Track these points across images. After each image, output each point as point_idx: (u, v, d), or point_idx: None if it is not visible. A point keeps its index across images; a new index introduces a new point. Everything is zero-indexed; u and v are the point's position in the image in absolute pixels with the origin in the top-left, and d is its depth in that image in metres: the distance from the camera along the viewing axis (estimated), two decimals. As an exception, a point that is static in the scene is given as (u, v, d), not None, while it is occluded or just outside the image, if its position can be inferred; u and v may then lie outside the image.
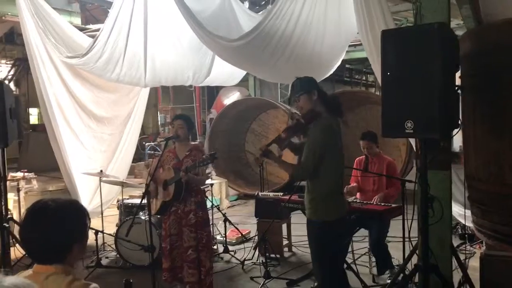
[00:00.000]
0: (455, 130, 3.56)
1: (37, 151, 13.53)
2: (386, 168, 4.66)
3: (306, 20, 4.52)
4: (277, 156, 3.40)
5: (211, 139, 10.35)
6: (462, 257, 5.20)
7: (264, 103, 10.69)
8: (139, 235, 4.79)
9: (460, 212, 4.96)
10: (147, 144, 12.67)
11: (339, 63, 5.98)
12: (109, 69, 5.41)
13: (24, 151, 13.75)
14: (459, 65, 3.12)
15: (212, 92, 15.50)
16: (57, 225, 1.69)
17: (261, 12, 6.99)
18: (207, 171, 6.50)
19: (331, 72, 6.18)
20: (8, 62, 15.00)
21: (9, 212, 5.18)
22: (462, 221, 5.02)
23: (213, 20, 5.15)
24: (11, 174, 6.91)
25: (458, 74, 3.81)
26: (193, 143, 4.49)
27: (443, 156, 3.32)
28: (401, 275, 3.62)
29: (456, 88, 3.16)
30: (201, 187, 4.42)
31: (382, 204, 4.45)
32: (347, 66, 18.44)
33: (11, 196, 6.28)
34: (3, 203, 4.79)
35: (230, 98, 14.09)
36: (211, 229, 5.95)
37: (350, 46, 8.01)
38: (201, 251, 4.17)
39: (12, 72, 15.25)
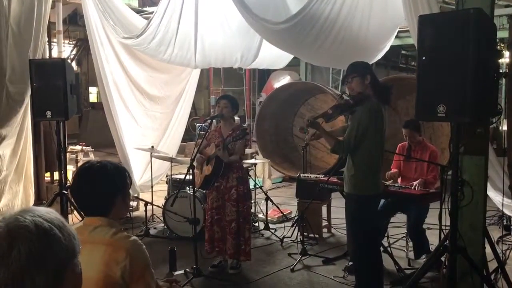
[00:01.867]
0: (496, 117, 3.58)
1: (96, 127, 14.28)
2: (429, 156, 4.66)
3: (351, 3, 4.57)
4: (322, 127, 3.65)
5: (259, 121, 10.52)
6: (504, 247, 5.17)
7: (313, 87, 10.72)
8: (185, 208, 5.10)
9: (504, 202, 4.91)
10: (197, 124, 13.05)
11: (387, 48, 5.97)
12: (162, 50, 5.68)
13: (84, 127, 14.54)
14: (501, 51, 3.11)
15: (263, 76, 15.63)
16: (101, 179, 1.95)
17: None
18: (251, 151, 6.69)
19: (379, 56, 6.17)
20: (71, 42, 15.78)
21: (68, 182, 5.61)
22: (505, 211, 4.96)
23: (261, 2, 5.28)
24: (70, 147, 7.42)
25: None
26: (237, 123, 4.70)
27: (479, 141, 3.33)
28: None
29: (495, 74, 3.17)
30: (242, 164, 4.63)
31: (422, 188, 4.47)
32: (402, 52, 17.99)
33: (70, 168, 6.77)
34: (63, 172, 5.21)
35: (281, 82, 14.18)
36: (254, 207, 6.23)
37: (405, 31, 7.92)
38: (241, 223, 4.45)
39: (74, 52, 16.06)
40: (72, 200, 2.06)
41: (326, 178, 5.10)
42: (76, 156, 6.96)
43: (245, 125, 10.86)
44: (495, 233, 5.26)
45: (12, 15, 5.02)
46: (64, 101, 4.84)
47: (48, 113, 4.87)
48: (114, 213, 1.98)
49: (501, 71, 3.80)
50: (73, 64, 15.26)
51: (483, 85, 2.83)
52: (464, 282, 3.20)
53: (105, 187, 1.95)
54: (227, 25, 5.69)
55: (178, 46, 5.67)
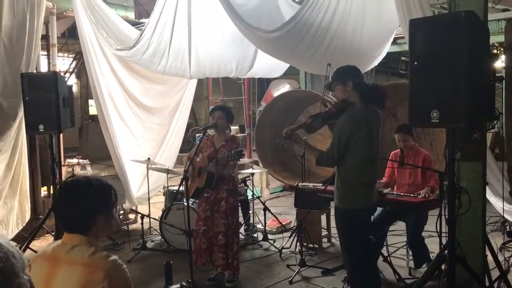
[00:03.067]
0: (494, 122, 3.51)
1: (96, 140, 14.22)
2: (422, 161, 4.59)
3: (343, 11, 4.53)
4: (302, 140, 3.51)
5: (258, 130, 10.45)
6: (507, 254, 5.07)
7: (312, 96, 10.65)
8: (181, 220, 5.02)
9: (505, 208, 4.82)
10: (197, 135, 12.98)
11: (383, 54, 5.91)
12: (156, 62, 5.65)
13: (84, 140, 14.50)
14: (497, 55, 3.05)
15: (263, 85, 15.59)
16: (82, 195, 1.87)
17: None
18: (249, 160, 6.63)
19: (375, 63, 6.12)
20: (70, 56, 15.79)
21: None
22: (506, 216, 4.88)
23: (255, 12, 5.26)
24: (67, 160, 7.37)
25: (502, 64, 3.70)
26: (229, 134, 4.64)
27: (476, 147, 3.26)
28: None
29: (491, 78, 3.11)
30: (232, 175, 4.57)
31: (419, 196, 4.39)
32: (402, 58, 17.95)
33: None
34: (58, 186, 5.15)
35: (280, 91, 14.12)
36: (252, 217, 6.15)
37: (403, 38, 7.87)
38: (230, 236, 4.38)
39: (73, 65, 16.06)
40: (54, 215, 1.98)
41: (323, 187, 5.03)
42: (73, 170, 6.90)
43: (242, 134, 10.79)
44: (497, 239, 5.16)
45: (3, 29, 5.00)
46: (56, 114, 4.82)
47: (41, 127, 4.85)
48: (95, 231, 1.90)
49: (498, 75, 3.73)
50: (73, 77, 15.25)
51: (478, 90, 2.76)
52: (464, 293, 3.11)
53: (87, 203, 1.88)
54: (221, 35, 5.66)
55: (172, 57, 5.63)
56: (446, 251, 2.98)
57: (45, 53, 7.19)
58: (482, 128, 3.30)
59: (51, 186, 6.56)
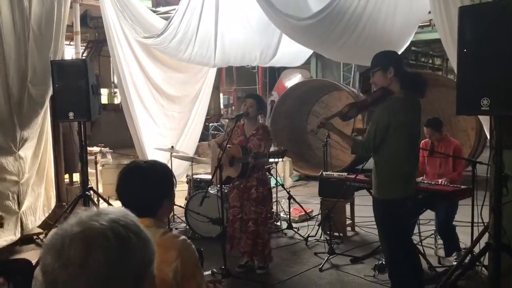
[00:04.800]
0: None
1: (108, 129, 14.30)
2: (453, 151, 4.59)
3: (377, -1, 4.51)
4: (336, 128, 3.44)
5: (274, 120, 10.46)
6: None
7: (327, 85, 10.65)
8: (208, 208, 5.05)
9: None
10: (210, 124, 13.01)
11: (408, 43, 5.88)
12: (182, 49, 5.64)
13: (96, 129, 14.54)
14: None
15: (274, 75, 15.57)
16: (151, 181, 1.89)
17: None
18: (273, 149, 6.63)
19: (401, 51, 6.09)
20: (82, 44, 15.76)
21: (89, 183, 5.57)
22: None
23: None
24: (89, 149, 7.39)
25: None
26: (261, 122, 4.64)
27: (519, 135, 3.25)
28: (469, 256, 3.60)
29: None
30: (263, 165, 4.59)
31: (451, 185, 4.40)
32: (413, 48, 17.84)
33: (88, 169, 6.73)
34: (85, 171, 5.18)
35: (292, 80, 14.10)
36: (276, 206, 6.17)
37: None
38: (260, 225, 4.40)
39: (85, 54, 16.05)
40: (120, 201, 1.99)
41: (351, 176, 5.04)
42: (95, 158, 6.93)
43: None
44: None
45: (33, 17, 4.98)
46: (86, 102, 4.82)
47: (71, 114, 4.85)
48: (160, 214, 1.94)
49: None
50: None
51: (528, 77, 2.75)
52: (507, 281, 3.12)
53: (155, 188, 1.90)
54: (247, 22, 5.64)
55: (198, 44, 5.62)
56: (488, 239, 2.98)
57: (67, 41, 7.18)
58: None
59: (75, 174, 6.62)
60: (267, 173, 6.22)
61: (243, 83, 14.11)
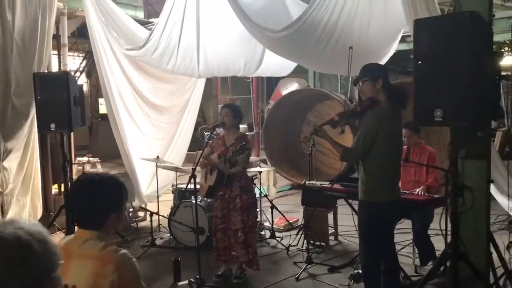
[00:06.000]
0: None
1: (106, 138, 14.37)
2: (427, 159, 4.62)
3: (350, 10, 4.55)
4: (328, 135, 3.58)
5: (267, 129, 10.49)
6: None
7: (320, 94, 10.69)
8: (190, 218, 5.08)
9: (510, 205, 4.83)
10: (206, 133, 13.04)
11: (391, 53, 5.91)
12: (165, 61, 5.71)
13: (94, 138, 14.66)
14: (501, 53, 3.07)
15: (271, 84, 15.63)
16: (98, 193, 1.93)
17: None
18: (256, 159, 6.69)
19: (383, 61, 6.12)
20: (80, 55, 15.93)
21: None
22: (512, 214, 4.89)
23: (263, 11, 5.28)
24: (78, 159, 7.48)
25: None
26: (241, 132, 4.70)
27: (480, 145, 3.29)
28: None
29: (496, 78, 3.14)
30: (246, 172, 4.64)
31: (426, 194, 4.42)
32: (411, 56, 17.85)
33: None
34: (69, 185, 5.24)
35: (289, 89, 14.13)
36: (260, 215, 6.20)
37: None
38: (248, 233, 4.45)
39: (83, 64, 16.21)
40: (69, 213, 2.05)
41: (330, 185, 5.07)
42: (83, 168, 7.00)
43: (251, 133, 10.86)
44: (506, 237, 5.16)
45: (16, 30, 5.09)
46: (67, 113, 4.91)
47: (52, 126, 4.93)
48: (106, 227, 1.98)
49: (504, 73, 3.76)
50: (83, 76, 15.39)
51: (481, 88, 2.80)
52: (468, 290, 3.14)
53: (101, 201, 1.94)
54: (229, 34, 5.71)
55: (181, 56, 5.69)
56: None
57: (56, 52, 7.29)
58: (486, 126, 3.32)
59: (62, 184, 6.69)
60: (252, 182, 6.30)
61: (239, 92, 14.18)
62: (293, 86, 14.63)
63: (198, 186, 4.63)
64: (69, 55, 13.69)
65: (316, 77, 14.32)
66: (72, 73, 13.93)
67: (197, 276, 4.34)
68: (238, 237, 4.46)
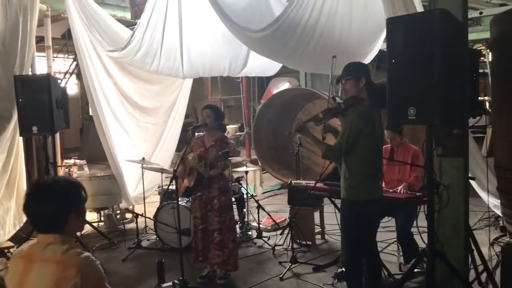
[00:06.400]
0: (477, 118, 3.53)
1: (97, 140, 14.34)
2: (411, 157, 4.63)
3: (330, 8, 4.54)
4: (311, 133, 3.57)
5: (257, 128, 10.48)
6: (499, 249, 5.09)
7: (310, 93, 10.67)
8: (175, 219, 5.07)
9: (495, 203, 4.85)
10: (197, 134, 12.99)
11: (375, 51, 5.89)
12: (148, 62, 5.69)
13: (85, 140, 14.60)
14: (479, 51, 3.08)
15: (263, 83, 15.62)
16: (53, 197, 1.91)
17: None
18: (242, 159, 6.67)
19: (368, 60, 6.11)
20: (70, 57, 15.87)
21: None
22: (495, 210, 4.91)
23: (246, 11, 5.26)
24: (64, 161, 7.45)
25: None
26: (220, 133, 4.67)
27: (457, 143, 3.29)
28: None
29: (474, 75, 3.15)
30: (224, 174, 4.63)
31: (407, 193, 4.42)
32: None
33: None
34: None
35: (280, 89, 14.11)
36: (246, 215, 6.20)
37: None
38: (224, 234, 4.43)
39: (73, 66, 16.15)
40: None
41: (313, 184, 5.07)
42: (69, 170, 6.97)
43: (242, 133, 10.84)
44: (491, 234, 5.17)
45: (-4, 33, 5.06)
46: (49, 116, 4.88)
47: (34, 128, 4.91)
48: (68, 229, 1.95)
49: (481, 71, 3.76)
50: (73, 78, 15.33)
51: (455, 86, 2.80)
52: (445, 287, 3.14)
53: (58, 204, 1.92)
54: (212, 34, 5.68)
55: (164, 57, 5.67)
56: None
57: (45, 54, 7.25)
58: (463, 124, 3.32)
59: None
60: (237, 183, 6.30)
61: (229, 92, 14.14)
62: (284, 86, 14.61)
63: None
64: (59, 57, 13.59)
65: (308, 76, 14.29)
66: (62, 75, 13.90)
67: (181, 278, 4.32)
68: (214, 238, 4.46)
